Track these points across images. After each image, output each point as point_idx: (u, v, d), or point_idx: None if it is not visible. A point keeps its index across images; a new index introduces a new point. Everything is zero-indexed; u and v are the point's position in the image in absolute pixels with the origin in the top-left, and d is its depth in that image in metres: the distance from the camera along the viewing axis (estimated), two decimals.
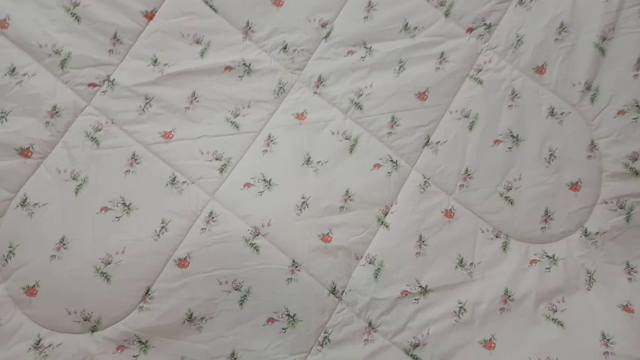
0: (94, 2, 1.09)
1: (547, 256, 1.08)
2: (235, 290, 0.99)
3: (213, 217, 1.02)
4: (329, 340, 1.00)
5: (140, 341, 0.96)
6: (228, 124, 1.11)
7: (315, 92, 1.15)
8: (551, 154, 1.13)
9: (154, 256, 0.99)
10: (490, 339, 1.01)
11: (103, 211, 1.01)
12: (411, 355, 1.00)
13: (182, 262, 0.99)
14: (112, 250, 0.98)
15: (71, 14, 1.08)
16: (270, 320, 1.00)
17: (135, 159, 1.05)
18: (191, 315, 0.98)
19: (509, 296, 1.04)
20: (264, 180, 1.07)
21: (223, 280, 0.99)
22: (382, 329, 1.01)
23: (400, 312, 1.02)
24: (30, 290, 0.96)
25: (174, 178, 1.05)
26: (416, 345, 1.00)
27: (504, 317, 1.03)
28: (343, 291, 1.03)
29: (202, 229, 1.01)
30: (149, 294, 0.98)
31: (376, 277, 1.04)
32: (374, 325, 1.01)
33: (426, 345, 1.00)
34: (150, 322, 0.96)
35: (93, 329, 0.96)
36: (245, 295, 0.99)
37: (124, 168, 1.05)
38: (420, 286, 1.04)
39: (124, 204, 1.02)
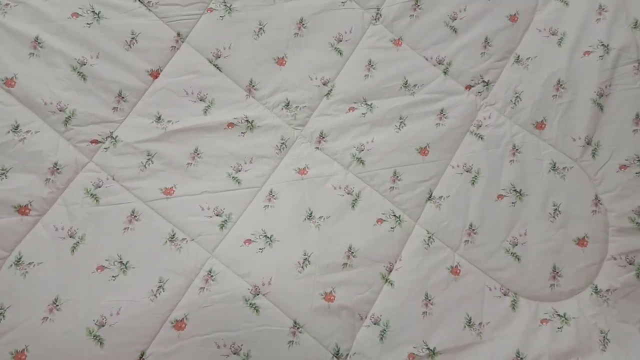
0: (101, 62, 1.12)
1: (558, 315, 1.04)
2: (234, 354, 0.95)
3: (212, 276, 0.99)
4: None
5: None
6: (230, 179, 1.10)
7: (317, 148, 1.15)
8: (555, 209, 1.12)
9: (150, 318, 0.95)
10: None
11: (99, 270, 0.98)
12: None
13: (179, 324, 0.95)
14: (107, 311, 0.95)
15: (77, 72, 1.10)
16: None
17: (135, 216, 1.04)
18: None
19: (521, 358, 0.99)
20: (265, 236, 1.05)
21: (221, 343, 0.95)
22: None
23: None
24: (19, 355, 0.91)
25: (174, 235, 1.03)
26: None
27: None
28: (347, 354, 0.98)
29: (201, 288, 0.98)
30: (143, 359, 0.93)
31: (381, 338, 1.00)
32: None
33: None
34: None
35: None
36: None
37: (123, 225, 1.03)
38: (428, 348, 1.00)
39: (120, 262, 0.99)
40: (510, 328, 1.03)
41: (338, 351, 0.98)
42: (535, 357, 1.00)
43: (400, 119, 1.17)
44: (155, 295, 0.97)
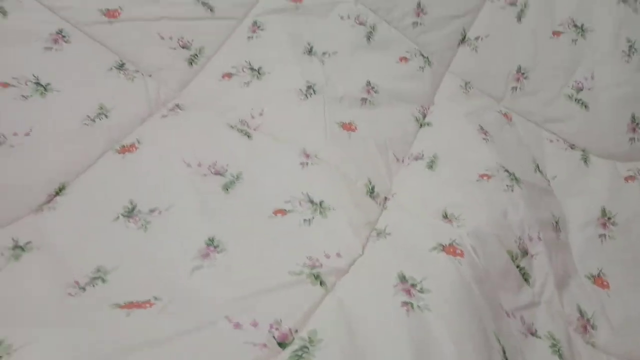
0: None
1: None
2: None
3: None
4: None
5: None
6: (198, 5, 0.80)
7: None
8: (630, 46, 0.85)
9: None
10: None
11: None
12: None
13: None
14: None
15: None
16: None
17: (63, 37, 0.73)
18: None
19: (609, 218, 0.72)
20: (251, 68, 0.76)
21: None
22: None
23: None
24: None
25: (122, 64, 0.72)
26: None
27: None
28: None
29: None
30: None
31: None
32: None
33: None
34: None
35: None
36: None
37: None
38: None
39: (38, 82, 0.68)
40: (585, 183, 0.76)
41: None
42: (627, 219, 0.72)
43: None
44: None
